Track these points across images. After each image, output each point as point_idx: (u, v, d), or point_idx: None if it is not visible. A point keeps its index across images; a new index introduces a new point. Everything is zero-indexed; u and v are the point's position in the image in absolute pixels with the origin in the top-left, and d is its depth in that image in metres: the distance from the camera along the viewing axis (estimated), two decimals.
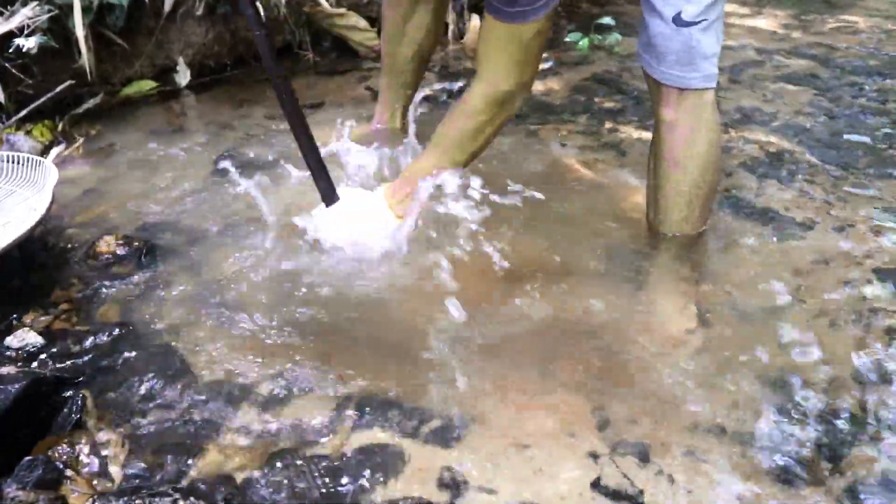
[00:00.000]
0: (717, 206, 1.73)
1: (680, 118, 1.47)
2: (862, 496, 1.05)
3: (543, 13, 1.31)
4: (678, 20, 1.38)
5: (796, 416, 1.18)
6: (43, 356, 1.30)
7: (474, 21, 3.02)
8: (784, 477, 1.08)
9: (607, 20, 2.78)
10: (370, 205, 1.52)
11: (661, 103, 1.48)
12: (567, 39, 2.80)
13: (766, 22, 3.24)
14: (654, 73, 1.46)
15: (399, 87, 2.05)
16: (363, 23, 2.76)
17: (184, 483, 1.07)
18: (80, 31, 2.11)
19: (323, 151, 1.55)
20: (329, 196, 1.54)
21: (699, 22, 1.38)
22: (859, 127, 2.17)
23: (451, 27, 2.94)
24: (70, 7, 2.10)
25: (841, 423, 1.16)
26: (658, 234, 1.61)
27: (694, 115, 1.47)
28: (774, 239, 1.63)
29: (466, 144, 1.48)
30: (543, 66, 2.70)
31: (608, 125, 2.21)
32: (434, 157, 1.49)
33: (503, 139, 2.09)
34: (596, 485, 1.06)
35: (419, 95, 1.92)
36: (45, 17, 2.07)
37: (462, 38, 3.00)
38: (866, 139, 2.09)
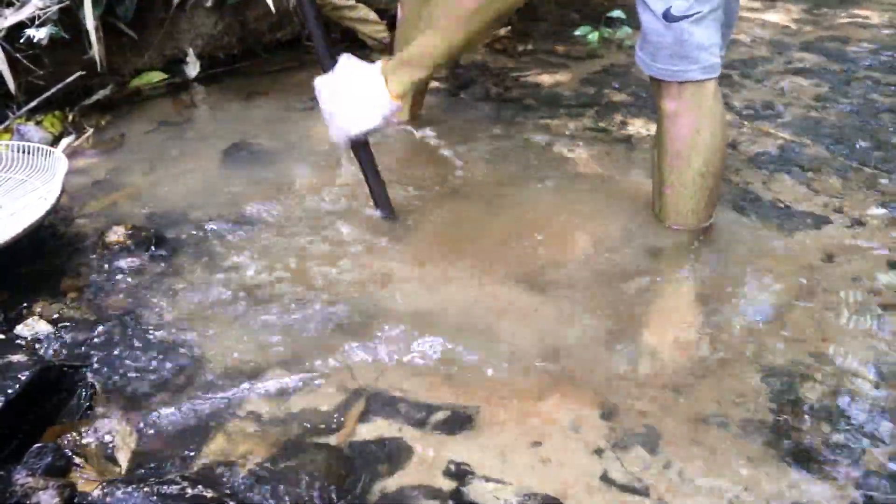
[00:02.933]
0: (727, 200, 1.72)
1: (681, 109, 1.47)
2: (870, 490, 1.04)
3: None
4: (668, 16, 1.37)
5: (804, 410, 1.17)
6: (52, 344, 1.31)
7: None
8: (791, 470, 1.07)
9: (617, 13, 2.76)
10: (367, 78, 1.47)
11: (662, 95, 1.48)
12: (577, 33, 2.79)
13: (779, 16, 3.21)
14: (652, 70, 1.45)
15: None
16: (373, 15, 2.75)
17: (192, 471, 1.07)
18: (90, 22, 2.11)
19: None
20: (326, 63, 1.53)
21: (690, 15, 1.37)
22: (872, 121, 2.15)
23: None
24: None
25: (850, 417, 1.16)
26: (665, 227, 1.60)
27: (695, 105, 1.46)
28: (785, 233, 1.63)
29: (466, 24, 1.39)
30: (556, 59, 2.69)
31: (617, 119, 2.20)
32: (433, 38, 1.43)
33: (510, 131, 2.09)
34: (603, 476, 1.06)
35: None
36: (56, 7, 2.07)
37: None
38: (879, 134, 2.08)
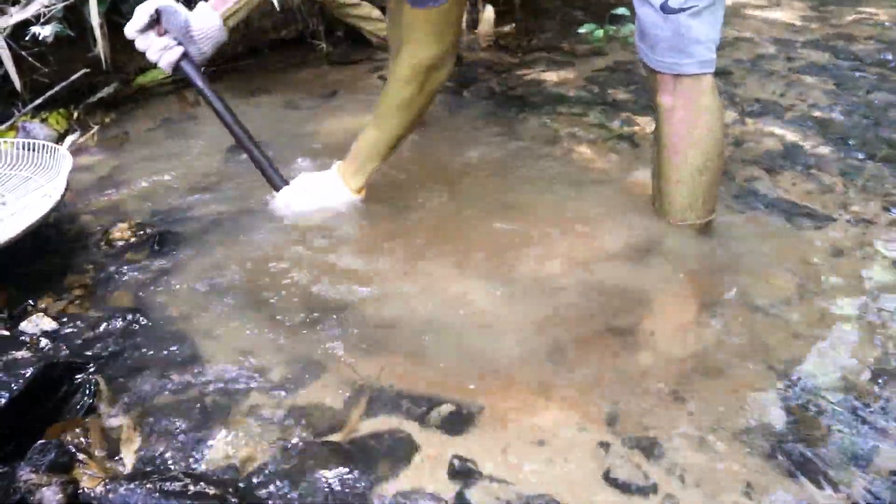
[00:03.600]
0: (731, 198, 1.72)
1: (678, 104, 1.47)
2: (874, 491, 1.04)
3: (445, 2, 1.43)
4: (665, 7, 1.38)
5: (808, 410, 1.17)
6: (56, 341, 1.31)
7: (488, 11, 3.01)
8: (794, 471, 1.07)
9: (622, 10, 2.75)
10: (327, 182, 1.65)
11: (659, 90, 1.48)
12: (581, 30, 2.78)
13: (785, 14, 3.20)
14: (649, 61, 1.46)
15: None
16: (376, 13, 2.75)
17: (195, 468, 1.07)
18: (95, 20, 2.12)
19: None
20: (276, 183, 1.64)
21: (688, 8, 1.37)
22: (877, 119, 2.14)
23: (464, 17, 2.92)
24: None
25: (853, 418, 1.15)
26: (667, 224, 1.60)
27: (691, 100, 1.46)
28: (789, 230, 1.62)
29: (402, 114, 1.57)
30: (561, 56, 2.68)
31: (621, 116, 2.19)
32: (375, 130, 1.60)
33: (515, 129, 2.09)
34: (606, 476, 1.06)
35: None
36: (61, 5, 2.08)
37: (476, 27, 2.99)
38: (884, 132, 2.07)
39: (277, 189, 1.64)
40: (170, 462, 1.09)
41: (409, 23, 1.51)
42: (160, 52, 1.53)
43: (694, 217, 1.58)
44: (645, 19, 1.43)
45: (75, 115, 2.20)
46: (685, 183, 1.54)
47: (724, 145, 1.56)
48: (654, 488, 1.04)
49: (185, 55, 1.56)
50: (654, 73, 1.47)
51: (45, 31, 2.04)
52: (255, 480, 1.05)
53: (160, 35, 1.54)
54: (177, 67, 1.57)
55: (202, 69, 1.61)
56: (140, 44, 1.54)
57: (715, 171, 1.54)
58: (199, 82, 1.59)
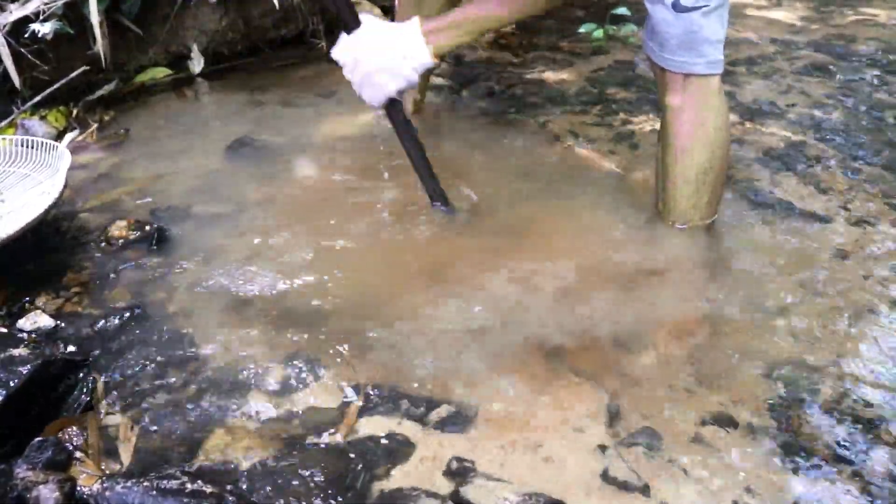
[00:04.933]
0: (732, 198, 1.72)
1: (686, 104, 1.46)
2: (873, 491, 1.03)
3: None
4: (678, 6, 1.37)
5: (809, 410, 1.16)
6: (54, 339, 1.31)
7: None
8: (794, 471, 1.07)
9: (622, 10, 2.75)
10: (404, 36, 1.46)
11: (667, 90, 1.48)
12: (581, 30, 2.78)
13: (785, 14, 3.19)
14: (659, 59, 1.45)
15: None
16: (377, 11, 2.75)
17: (192, 466, 1.07)
18: (94, 18, 2.11)
19: None
20: (351, 22, 1.47)
21: (700, 7, 1.37)
22: (878, 120, 2.14)
23: None
24: None
25: (852, 419, 1.15)
26: (668, 224, 1.59)
27: (700, 101, 1.46)
28: (790, 231, 1.62)
29: (528, 3, 1.45)
30: (560, 56, 2.68)
31: (621, 116, 2.19)
32: (487, 6, 1.45)
33: (514, 129, 2.08)
34: (604, 475, 1.06)
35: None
36: (61, 2, 2.08)
37: None
38: (885, 132, 2.06)
39: (349, 31, 1.47)
40: (167, 460, 1.08)
41: None
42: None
43: (698, 218, 1.58)
44: (656, 17, 1.42)
45: (74, 112, 2.20)
46: (691, 183, 1.53)
47: (729, 147, 1.55)
48: (652, 488, 1.04)
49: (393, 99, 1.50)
50: (663, 72, 1.46)
51: (44, 29, 2.04)
52: (252, 479, 1.05)
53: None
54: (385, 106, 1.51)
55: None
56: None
57: (720, 172, 1.54)
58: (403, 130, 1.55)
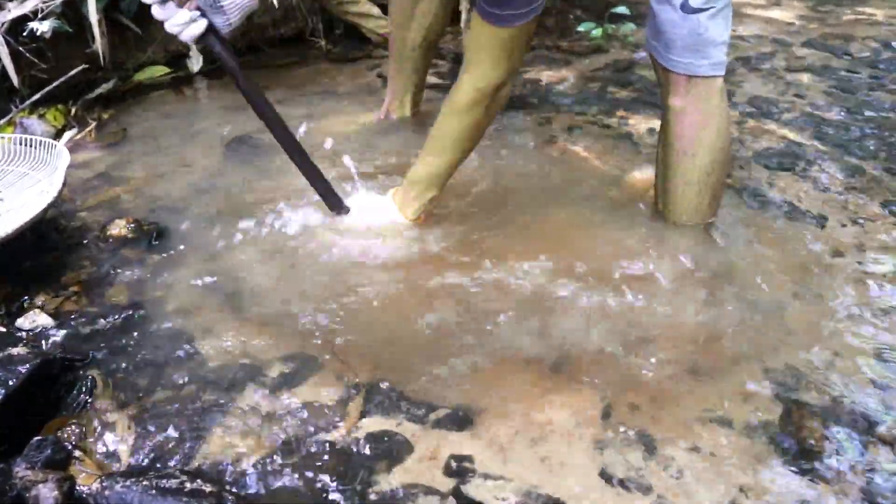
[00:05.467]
0: (729, 198, 1.72)
1: (689, 106, 1.46)
2: (870, 491, 1.04)
3: (531, 17, 1.32)
4: (686, 7, 1.37)
5: (806, 410, 1.17)
6: (53, 337, 1.31)
7: None
8: (791, 469, 1.07)
9: (621, 9, 2.75)
10: (382, 209, 1.59)
11: (670, 91, 1.48)
12: (580, 29, 2.78)
13: (783, 13, 3.20)
14: (663, 60, 1.45)
15: (407, 73, 2.04)
16: (376, 10, 2.75)
17: (191, 465, 1.07)
18: (93, 16, 2.11)
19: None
20: (336, 205, 1.57)
21: (707, 9, 1.37)
22: (875, 119, 2.14)
23: (463, 15, 2.92)
24: None
25: (849, 418, 1.15)
26: (668, 224, 1.60)
27: (703, 102, 1.46)
28: (787, 231, 1.62)
29: (463, 142, 1.50)
30: (559, 55, 2.68)
31: (620, 115, 2.19)
32: (435, 159, 1.52)
33: (514, 129, 2.09)
34: (602, 474, 1.06)
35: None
36: (59, 1, 2.08)
37: None
38: (883, 132, 2.07)
39: (337, 211, 1.57)
40: (166, 459, 1.08)
41: (478, 44, 1.39)
42: (182, 25, 1.35)
43: (699, 218, 1.58)
44: (662, 17, 1.42)
45: (73, 111, 2.19)
46: (693, 185, 1.53)
47: (731, 148, 1.55)
48: (650, 486, 1.04)
49: (210, 28, 1.38)
50: (667, 72, 1.46)
51: (43, 27, 2.04)
52: (251, 478, 1.05)
53: (181, 4, 1.36)
54: (201, 41, 1.40)
55: (229, 45, 1.45)
56: (158, 14, 1.37)
57: (722, 173, 1.54)
58: (230, 60, 1.43)
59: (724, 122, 1.49)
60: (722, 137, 1.50)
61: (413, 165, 1.56)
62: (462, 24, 2.92)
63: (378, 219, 1.58)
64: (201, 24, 1.36)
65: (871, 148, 1.98)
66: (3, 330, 1.32)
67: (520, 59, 1.43)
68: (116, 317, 1.36)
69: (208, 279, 1.46)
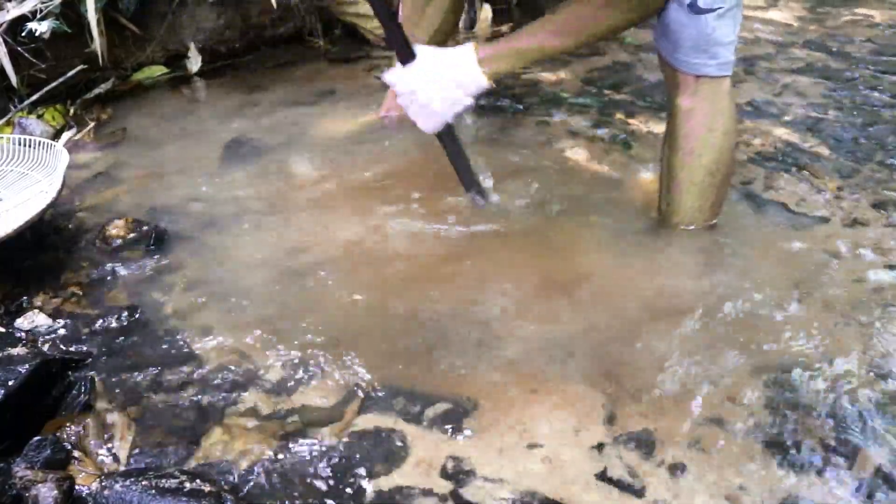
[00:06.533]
0: (728, 199, 1.72)
1: (696, 106, 1.46)
2: (868, 491, 1.04)
3: None
4: (694, 7, 1.37)
5: (804, 410, 1.17)
6: (52, 338, 1.31)
7: (485, 10, 3.01)
8: (790, 471, 1.07)
9: None
10: (461, 63, 1.45)
11: (678, 91, 1.47)
12: None
13: (781, 14, 3.21)
14: (671, 59, 1.45)
15: None
16: None
17: (190, 465, 1.08)
18: (92, 16, 2.11)
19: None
20: (406, 56, 1.47)
21: (715, 9, 1.37)
22: (873, 121, 2.15)
23: (462, 16, 2.93)
24: None
25: (850, 418, 1.16)
26: (669, 225, 1.60)
27: (710, 103, 1.46)
28: (785, 232, 1.62)
29: (591, 35, 1.41)
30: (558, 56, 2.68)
31: (619, 116, 2.19)
32: (543, 37, 1.42)
33: (511, 130, 2.09)
34: (601, 476, 1.06)
35: None
36: (58, 1, 2.08)
37: (473, 27, 2.99)
38: (881, 133, 2.07)
39: (404, 62, 1.47)
40: (166, 459, 1.09)
41: None
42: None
43: (702, 220, 1.58)
44: (670, 17, 1.41)
45: (72, 111, 2.19)
46: (697, 185, 1.53)
47: (736, 150, 1.55)
48: (648, 487, 1.04)
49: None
50: (674, 72, 1.46)
51: (41, 27, 2.04)
52: (250, 478, 1.06)
53: None
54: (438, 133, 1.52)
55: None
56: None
57: (726, 175, 1.54)
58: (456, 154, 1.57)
59: (731, 123, 1.49)
60: (728, 138, 1.50)
61: (520, 31, 1.45)
62: (461, 26, 2.92)
63: (454, 68, 1.44)
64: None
65: (870, 149, 1.98)
66: (3, 330, 1.32)
67: None
68: (115, 317, 1.36)
69: (207, 280, 1.47)
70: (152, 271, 1.50)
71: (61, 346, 1.29)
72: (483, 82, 1.44)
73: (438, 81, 1.45)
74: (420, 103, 1.48)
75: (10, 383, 1.13)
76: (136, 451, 1.10)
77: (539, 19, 1.43)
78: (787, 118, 2.18)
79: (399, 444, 1.11)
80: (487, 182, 1.69)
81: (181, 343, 1.31)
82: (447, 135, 1.56)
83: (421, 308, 1.39)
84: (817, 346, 1.30)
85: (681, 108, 1.48)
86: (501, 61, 1.44)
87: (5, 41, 2.02)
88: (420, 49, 1.47)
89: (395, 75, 1.49)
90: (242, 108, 2.27)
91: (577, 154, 1.97)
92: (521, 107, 2.25)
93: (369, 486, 1.04)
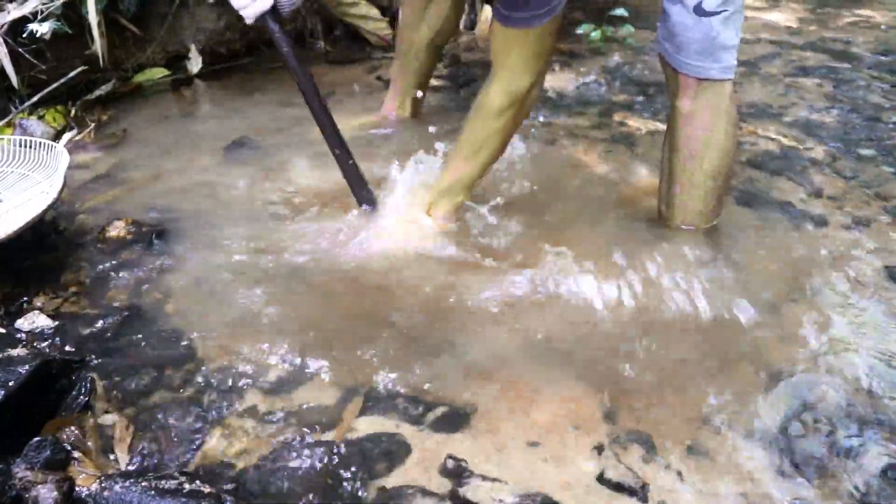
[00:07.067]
0: (730, 200, 1.72)
1: (698, 109, 1.46)
2: (866, 492, 1.04)
3: (550, 17, 1.32)
4: (699, 9, 1.37)
5: (804, 412, 1.17)
6: (52, 339, 1.31)
7: (486, 11, 3.01)
8: (790, 471, 1.07)
9: (620, 11, 2.76)
10: (415, 219, 1.58)
11: (680, 94, 1.47)
12: (579, 31, 2.78)
13: (782, 16, 3.21)
14: (674, 62, 1.45)
15: (412, 73, 2.05)
16: (375, 12, 2.75)
17: (189, 466, 1.07)
18: (93, 17, 2.12)
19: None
20: (368, 200, 1.59)
21: (720, 12, 1.37)
22: (874, 122, 2.15)
23: (462, 17, 2.93)
24: None
25: (847, 420, 1.16)
26: (670, 226, 1.60)
27: (712, 106, 1.46)
28: (787, 233, 1.62)
29: (493, 147, 1.50)
30: (558, 57, 2.68)
31: (619, 118, 2.20)
32: (464, 165, 1.53)
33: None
34: (601, 477, 1.06)
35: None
36: (59, 2, 2.08)
37: (473, 28, 2.99)
38: (882, 134, 2.07)
39: (368, 205, 1.61)
40: (165, 460, 1.09)
41: (504, 49, 1.39)
42: (248, 2, 1.37)
43: (703, 221, 1.58)
44: (675, 19, 1.41)
45: (72, 112, 2.20)
46: (698, 187, 1.53)
47: (736, 152, 1.55)
48: (648, 489, 1.04)
49: (273, 7, 1.40)
50: (676, 74, 1.46)
51: (42, 28, 2.04)
52: (249, 479, 1.05)
53: None
54: (259, 21, 1.41)
55: (286, 28, 1.46)
56: None
57: (727, 177, 1.54)
58: (284, 44, 1.45)
59: (732, 126, 1.49)
60: (729, 141, 1.50)
61: (442, 171, 1.57)
62: (461, 27, 2.93)
63: (405, 223, 1.57)
64: (267, 2, 1.38)
65: (871, 150, 1.98)
66: (3, 331, 1.32)
67: (548, 60, 1.43)
68: (116, 318, 1.36)
69: (207, 281, 1.47)
70: (152, 272, 1.50)
71: (61, 347, 1.29)
72: (439, 231, 1.57)
73: (403, 239, 1.56)
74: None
75: (11, 384, 1.13)
76: (136, 451, 1.10)
77: (450, 155, 1.56)
78: (788, 119, 2.18)
79: (399, 444, 1.11)
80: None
81: (181, 344, 1.31)
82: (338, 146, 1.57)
83: (421, 308, 1.39)
84: (818, 346, 1.30)
85: (682, 111, 1.48)
86: (453, 203, 1.57)
87: (6, 42, 2.02)
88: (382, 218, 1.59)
89: (371, 231, 1.58)
90: (243, 109, 2.28)
91: (578, 154, 1.97)
92: None
93: (370, 486, 1.04)
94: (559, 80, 2.48)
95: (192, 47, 2.50)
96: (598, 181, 1.83)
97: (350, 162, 1.58)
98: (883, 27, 3.01)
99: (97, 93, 2.28)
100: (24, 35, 2.04)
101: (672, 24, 1.42)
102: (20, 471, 1.03)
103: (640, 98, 2.33)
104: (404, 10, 1.99)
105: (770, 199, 1.75)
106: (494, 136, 1.48)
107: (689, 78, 1.45)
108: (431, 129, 1.87)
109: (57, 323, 1.35)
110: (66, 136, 2.07)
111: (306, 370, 1.25)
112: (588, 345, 1.30)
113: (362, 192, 1.61)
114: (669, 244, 1.57)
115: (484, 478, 1.06)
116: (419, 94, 2.09)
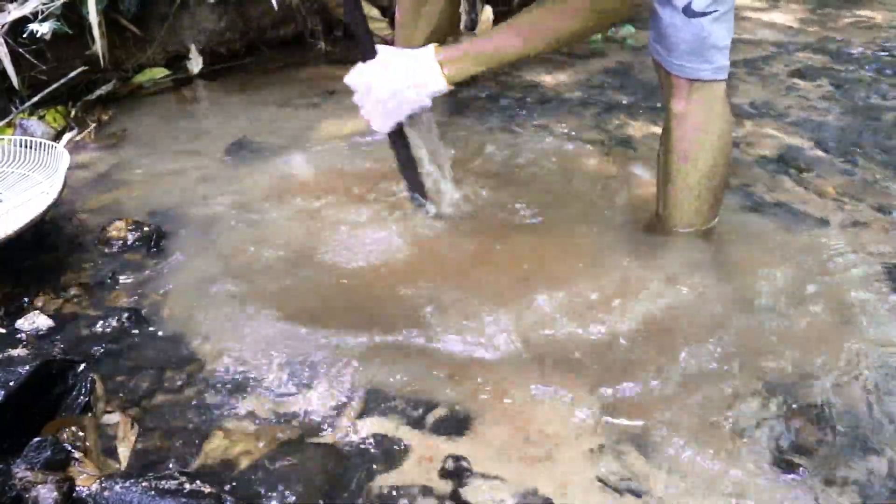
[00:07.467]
0: (728, 201, 1.72)
1: (691, 110, 1.46)
2: (865, 492, 1.04)
3: None
4: (688, 10, 1.37)
5: (805, 413, 1.17)
6: (53, 339, 1.31)
7: (486, 12, 3.01)
8: (789, 472, 1.07)
9: None
10: (420, 64, 1.44)
11: (672, 95, 1.47)
12: None
13: (782, 16, 3.21)
14: (666, 63, 1.45)
15: None
16: (375, 12, 2.75)
17: (190, 466, 1.08)
18: (93, 17, 2.12)
19: None
20: (367, 52, 1.47)
21: (710, 13, 1.37)
22: (874, 123, 2.15)
23: (463, 17, 2.93)
24: None
25: (846, 421, 1.16)
26: (667, 228, 1.60)
27: (705, 107, 1.46)
28: (786, 234, 1.62)
29: (550, 41, 1.39)
30: (558, 58, 2.69)
31: (619, 119, 2.20)
32: (508, 40, 1.41)
33: (511, 132, 2.09)
34: (600, 477, 1.06)
35: None
36: (59, 2, 2.08)
37: (474, 28, 2.99)
38: (881, 135, 2.08)
39: (365, 59, 1.46)
40: (166, 460, 1.09)
41: None
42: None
43: (700, 223, 1.58)
44: (665, 21, 1.41)
45: (73, 112, 2.20)
46: (694, 189, 1.53)
47: (731, 153, 1.55)
48: (647, 490, 1.04)
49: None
50: (669, 76, 1.46)
51: (43, 28, 2.04)
52: (250, 479, 1.06)
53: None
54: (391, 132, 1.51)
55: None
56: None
57: (723, 178, 1.54)
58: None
59: (726, 127, 1.49)
60: (724, 142, 1.50)
61: (477, 36, 1.45)
62: (462, 27, 2.92)
63: (410, 66, 1.44)
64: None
65: (871, 151, 1.98)
66: (3, 331, 1.33)
67: None
68: (116, 318, 1.36)
69: (208, 282, 1.47)
70: (153, 272, 1.50)
71: (62, 347, 1.29)
72: (442, 84, 1.43)
73: (396, 80, 1.44)
74: (374, 100, 1.47)
75: (11, 384, 1.13)
76: (137, 452, 1.10)
77: (501, 24, 1.43)
78: (787, 119, 2.18)
79: (399, 444, 1.11)
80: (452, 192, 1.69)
81: (182, 344, 1.31)
82: (398, 136, 1.56)
83: (422, 309, 1.39)
84: (818, 348, 1.30)
85: (675, 112, 1.48)
86: (461, 63, 1.43)
87: (6, 42, 2.03)
88: (381, 48, 1.47)
89: (355, 72, 1.48)
90: (243, 109, 2.28)
91: (577, 155, 1.97)
92: (521, 108, 2.26)
93: (370, 487, 1.04)
94: (559, 81, 2.48)
95: (193, 47, 2.50)
96: (597, 181, 1.83)
97: (408, 155, 1.57)
98: (882, 28, 3.02)
99: (97, 93, 2.28)
100: (25, 35, 2.04)
101: (662, 25, 1.42)
102: (20, 471, 1.03)
103: (640, 99, 2.34)
104: (399, 10, 1.99)
105: (769, 200, 1.75)
106: (564, 35, 1.37)
107: (681, 79, 1.45)
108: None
109: (57, 323, 1.35)
110: (67, 137, 2.07)
111: (307, 372, 1.25)
112: (587, 345, 1.30)
113: (416, 183, 1.60)
114: (667, 245, 1.57)
115: (484, 478, 1.06)
116: None
